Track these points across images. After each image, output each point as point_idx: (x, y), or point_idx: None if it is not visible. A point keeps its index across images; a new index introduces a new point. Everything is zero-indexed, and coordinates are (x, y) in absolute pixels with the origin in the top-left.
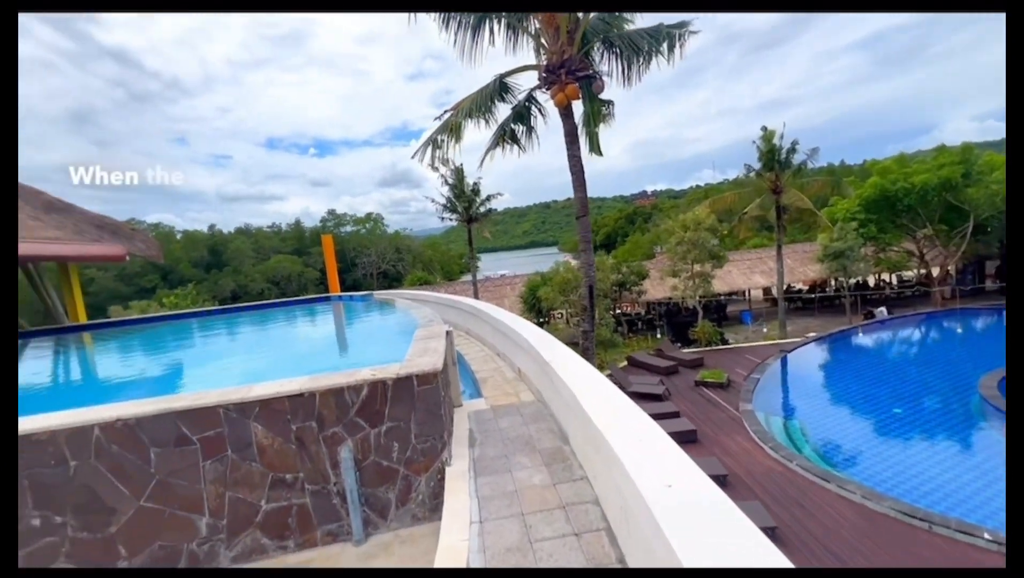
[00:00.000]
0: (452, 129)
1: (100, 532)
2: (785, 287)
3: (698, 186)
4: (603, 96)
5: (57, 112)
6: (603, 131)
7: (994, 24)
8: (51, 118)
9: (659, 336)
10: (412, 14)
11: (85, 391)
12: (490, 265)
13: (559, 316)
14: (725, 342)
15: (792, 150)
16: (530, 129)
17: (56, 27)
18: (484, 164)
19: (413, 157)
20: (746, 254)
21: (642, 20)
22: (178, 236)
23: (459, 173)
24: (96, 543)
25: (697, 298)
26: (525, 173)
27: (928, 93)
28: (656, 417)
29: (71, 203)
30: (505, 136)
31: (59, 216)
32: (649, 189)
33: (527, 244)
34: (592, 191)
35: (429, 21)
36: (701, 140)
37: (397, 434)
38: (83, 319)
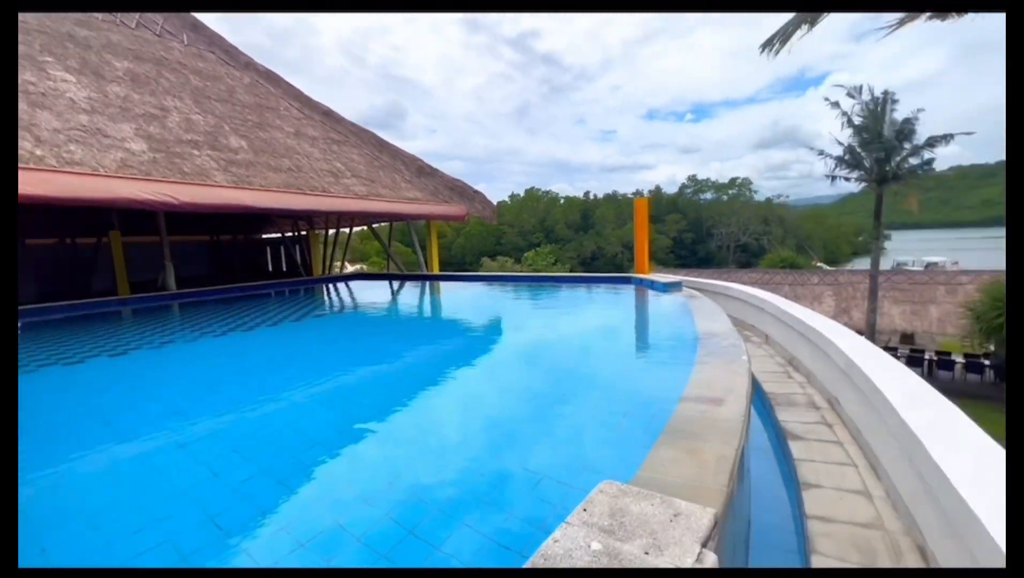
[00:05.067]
0: None
1: None
2: None
3: None
4: None
5: (509, 110)
6: None
7: None
8: (504, 115)
9: None
10: None
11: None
12: (907, 246)
13: None
14: None
15: None
16: None
17: (513, 46)
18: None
19: (764, 50)
20: None
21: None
22: (561, 201)
23: (877, 107)
24: None
25: None
26: (997, 113)
27: None
28: None
29: (436, 168)
30: None
31: (425, 179)
32: None
33: (985, 220)
34: None
35: None
36: None
37: None
38: (435, 270)
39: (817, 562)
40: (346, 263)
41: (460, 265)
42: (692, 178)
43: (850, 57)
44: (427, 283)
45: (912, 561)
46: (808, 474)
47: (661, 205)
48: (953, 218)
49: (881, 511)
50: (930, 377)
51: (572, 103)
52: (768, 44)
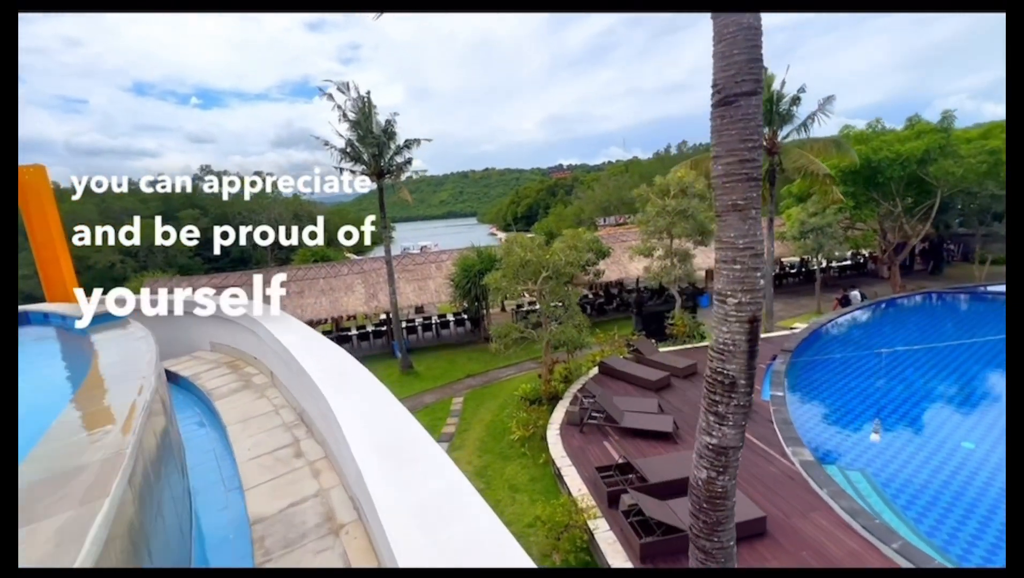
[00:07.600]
0: None
1: None
2: None
3: (609, 162)
4: None
5: None
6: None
7: (849, 32)
8: None
9: (609, 322)
10: None
11: None
12: (408, 235)
13: (504, 306)
14: (702, 337)
15: (796, 100)
16: None
17: None
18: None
19: None
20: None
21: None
22: None
23: (364, 105)
24: None
25: (676, 281)
26: (440, 140)
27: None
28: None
29: None
30: None
31: None
32: (564, 163)
33: (445, 214)
34: (510, 162)
35: None
36: (608, 118)
37: None
38: None
39: None
40: None
41: None
42: (206, 168)
43: (342, 75)
44: None
45: None
46: None
47: (172, 201)
48: (427, 213)
49: None
50: (439, 337)
51: None
52: None
